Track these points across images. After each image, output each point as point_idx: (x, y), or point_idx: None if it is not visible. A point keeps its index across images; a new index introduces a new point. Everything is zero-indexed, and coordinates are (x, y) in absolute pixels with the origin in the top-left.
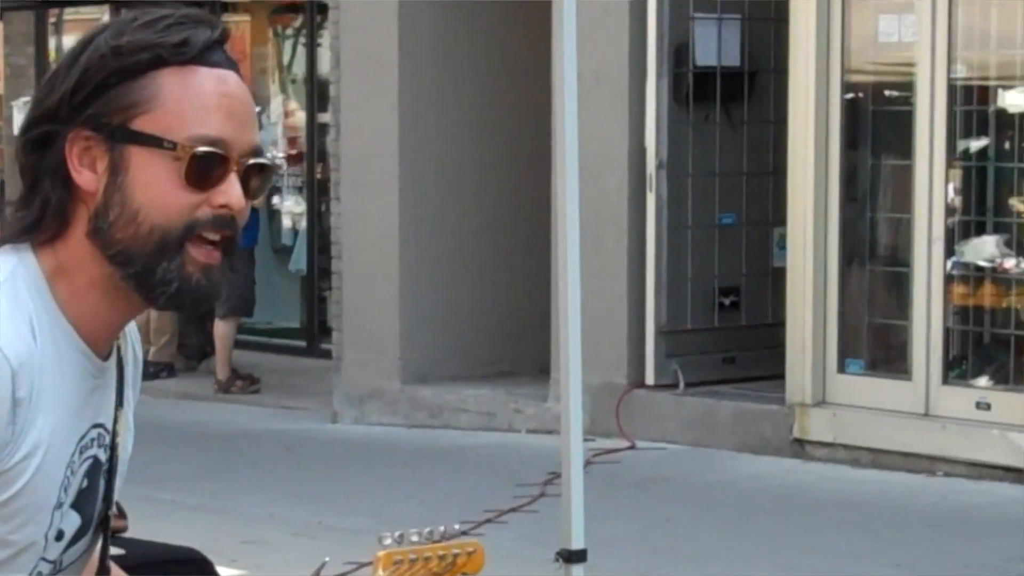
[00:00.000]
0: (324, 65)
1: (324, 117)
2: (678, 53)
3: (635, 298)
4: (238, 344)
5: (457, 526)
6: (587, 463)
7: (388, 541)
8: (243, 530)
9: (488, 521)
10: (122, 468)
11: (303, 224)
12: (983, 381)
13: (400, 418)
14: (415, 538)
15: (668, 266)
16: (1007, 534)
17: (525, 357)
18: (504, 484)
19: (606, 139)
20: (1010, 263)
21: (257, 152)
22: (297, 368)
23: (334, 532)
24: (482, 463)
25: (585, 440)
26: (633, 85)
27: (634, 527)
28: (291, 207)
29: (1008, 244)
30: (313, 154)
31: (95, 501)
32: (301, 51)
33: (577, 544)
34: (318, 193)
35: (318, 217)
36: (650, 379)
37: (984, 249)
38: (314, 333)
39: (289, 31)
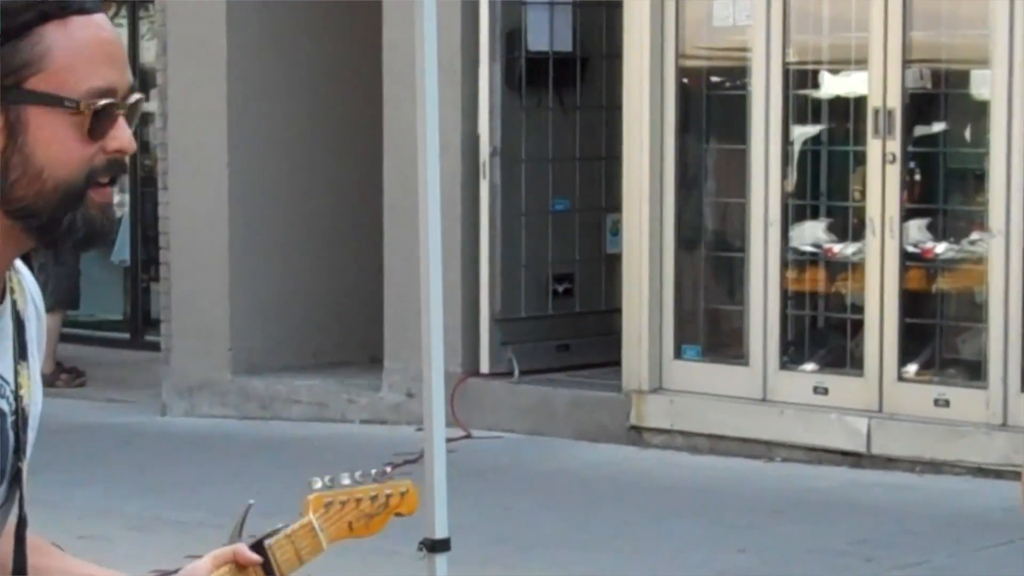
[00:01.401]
0: (146, 54)
1: (147, 107)
2: (510, 38)
3: (469, 286)
4: (60, 337)
5: (388, 468)
6: (422, 453)
7: (318, 485)
8: (79, 525)
9: None
10: (33, 422)
11: (125, 215)
12: (820, 366)
13: (231, 409)
14: (346, 481)
15: (502, 253)
16: (849, 518)
17: (356, 347)
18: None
19: (440, 126)
20: (838, 247)
21: (133, 89)
22: (122, 360)
23: (173, 526)
24: (317, 454)
25: (419, 430)
26: (466, 71)
27: (475, 517)
28: (114, 198)
29: (835, 228)
30: (136, 144)
31: (5, 453)
32: (122, 39)
33: (441, 534)
34: (140, 183)
35: (140, 207)
36: (485, 367)
37: (812, 233)
38: (138, 325)
39: (111, 20)
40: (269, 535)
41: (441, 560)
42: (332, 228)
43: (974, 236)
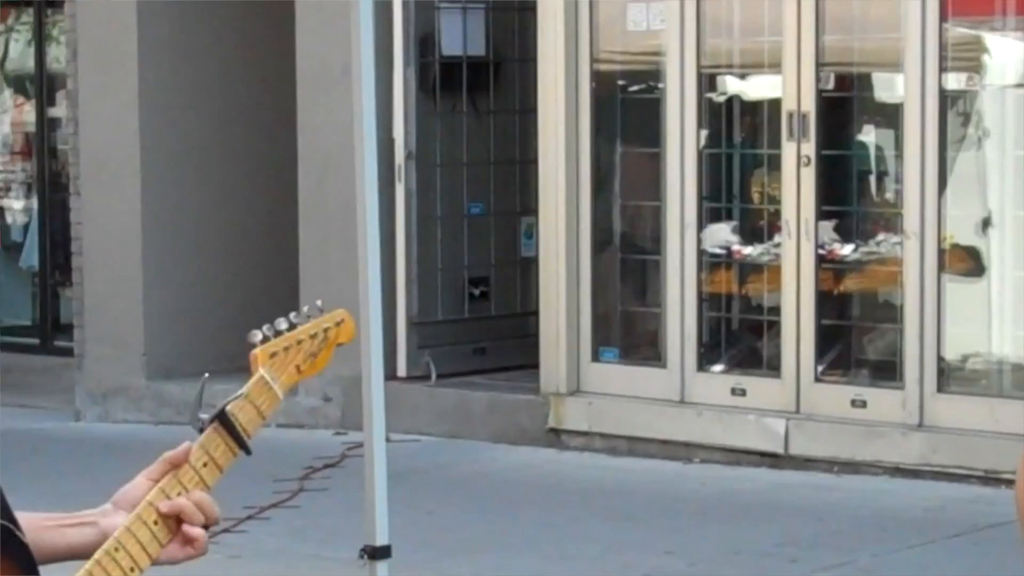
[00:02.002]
0: (54, 59)
1: (54, 111)
2: (424, 43)
3: (385, 289)
4: None
5: (319, 302)
6: (342, 457)
7: (259, 337)
8: None
9: (250, 518)
10: None
11: (34, 220)
12: (737, 367)
13: (146, 415)
14: (283, 325)
15: (418, 257)
16: (771, 519)
17: None
18: (261, 480)
19: (353, 130)
20: (753, 250)
21: None
22: (32, 366)
23: None
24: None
25: (337, 434)
26: (380, 75)
27: (398, 521)
28: (20, 203)
29: (750, 231)
30: (43, 149)
31: None
32: (29, 45)
33: (382, 540)
34: (49, 188)
35: (49, 212)
36: (402, 371)
37: (727, 236)
38: (48, 330)
39: (15, 24)
40: (228, 402)
41: (382, 567)
42: (246, 232)
43: (889, 238)
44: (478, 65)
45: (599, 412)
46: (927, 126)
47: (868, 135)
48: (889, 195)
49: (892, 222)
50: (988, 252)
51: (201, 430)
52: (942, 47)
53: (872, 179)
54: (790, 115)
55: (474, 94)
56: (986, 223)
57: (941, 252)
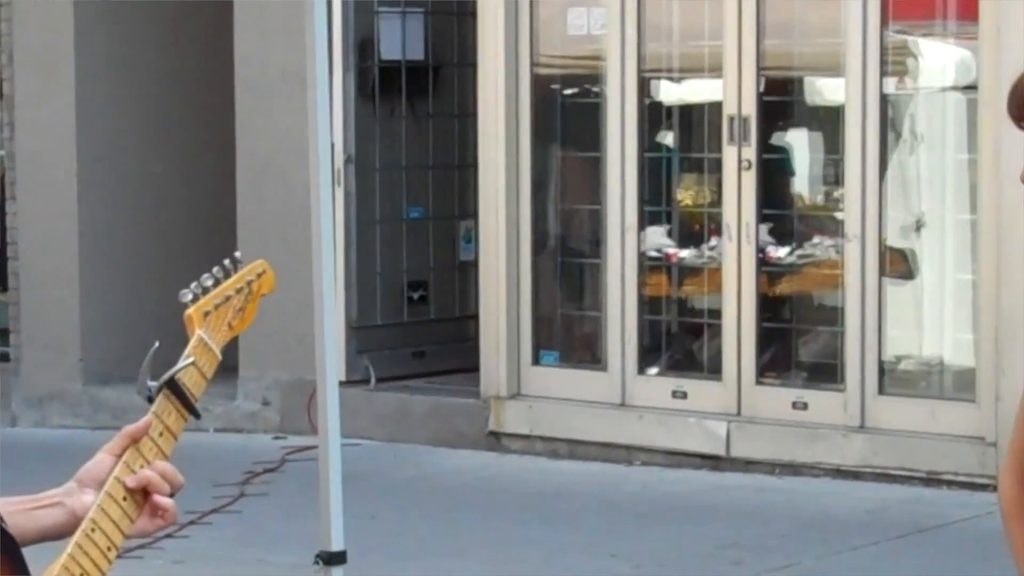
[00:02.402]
0: None
1: None
2: (363, 48)
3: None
4: None
5: (238, 254)
6: (282, 461)
7: (189, 297)
8: None
9: (192, 523)
10: None
11: None
12: (678, 370)
13: (83, 420)
14: (209, 282)
15: (357, 261)
16: (714, 521)
17: None
18: (201, 484)
19: (292, 135)
20: (694, 253)
21: None
22: None
23: None
24: (175, 463)
25: (276, 438)
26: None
27: (285, 527)
28: None
29: (692, 234)
30: None
31: None
32: None
33: (337, 546)
34: None
35: None
36: (341, 375)
37: (668, 239)
38: None
39: None
40: (177, 369)
41: (338, 572)
42: (183, 237)
43: (830, 241)
44: (417, 69)
45: (539, 415)
46: (868, 130)
47: (808, 139)
48: (830, 198)
49: (832, 225)
50: (928, 255)
51: (150, 399)
52: (883, 51)
53: (812, 183)
54: (731, 119)
55: (413, 98)
56: (925, 226)
57: (881, 255)
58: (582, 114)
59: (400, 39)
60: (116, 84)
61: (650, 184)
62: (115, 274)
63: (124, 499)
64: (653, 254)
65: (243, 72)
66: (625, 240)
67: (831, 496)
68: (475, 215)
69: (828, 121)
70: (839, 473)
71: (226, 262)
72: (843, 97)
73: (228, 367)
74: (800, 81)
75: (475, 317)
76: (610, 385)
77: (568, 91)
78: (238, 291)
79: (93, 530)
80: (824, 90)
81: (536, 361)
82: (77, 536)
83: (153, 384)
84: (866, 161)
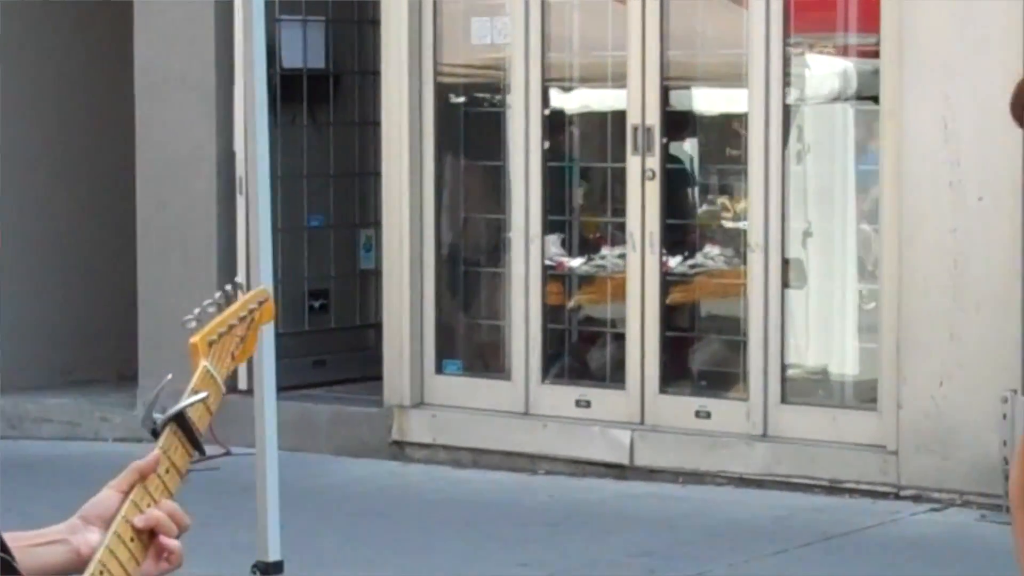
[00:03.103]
0: None
1: None
2: (263, 55)
3: None
4: None
5: (239, 279)
6: (188, 472)
7: (193, 324)
8: None
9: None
10: None
11: None
12: (582, 379)
13: None
14: (211, 309)
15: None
16: (622, 530)
17: (104, 364)
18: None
19: (193, 143)
20: (598, 262)
21: None
22: None
23: None
24: (75, 474)
25: None
26: (220, 87)
27: (247, 535)
28: None
29: (596, 244)
30: None
31: None
32: None
33: (274, 556)
34: None
35: None
36: (243, 384)
37: (572, 249)
38: None
39: None
40: (188, 404)
41: None
42: (80, 244)
43: (733, 250)
44: (318, 78)
45: (443, 424)
46: (770, 140)
47: (712, 149)
48: (733, 208)
49: (735, 235)
50: (829, 265)
51: (154, 432)
52: (785, 62)
53: (716, 193)
54: (635, 129)
55: (314, 107)
56: (827, 236)
57: (784, 265)
58: (486, 123)
59: (301, 47)
60: (12, 93)
61: (554, 193)
62: (10, 281)
63: (131, 540)
64: (557, 263)
65: (143, 79)
66: (529, 249)
67: (736, 504)
68: (376, 224)
69: (731, 132)
70: (742, 481)
71: (227, 287)
72: (746, 108)
73: (123, 376)
74: (703, 92)
75: (376, 326)
76: (514, 394)
77: (472, 100)
78: (240, 319)
79: (102, 573)
80: (727, 101)
81: (439, 370)
82: None
83: (160, 417)
84: (769, 171)
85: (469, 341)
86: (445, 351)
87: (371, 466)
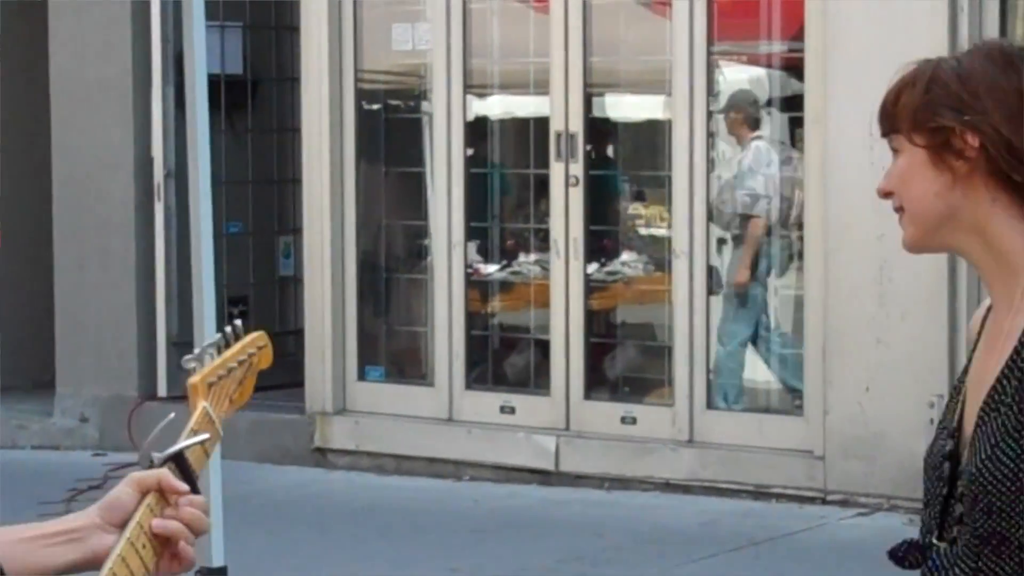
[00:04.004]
0: None
1: None
2: (181, 61)
3: (145, 309)
4: None
5: (238, 322)
6: (105, 478)
7: (192, 364)
8: None
9: None
10: None
11: None
12: (506, 385)
13: None
14: (211, 351)
15: (178, 276)
16: (550, 535)
17: (20, 371)
18: (24, 502)
19: (110, 148)
20: (522, 269)
21: None
22: None
23: None
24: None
25: (96, 455)
26: (137, 93)
27: None
28: None
29: (519, 250)
30: None
31: None
32: None
33: (218, 562)
34: None
35: None
36: (162, 391)
37: (496, 255)
38: None
39: None
40: (188, 445)
41: None
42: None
43: (657, 257)
44: (236, 84)
45: (366, 431)
46: (695, 146)
47: (635, 155)
48: (657, 215)
49: (660, 241)
50: (755, 270)
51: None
52: (709, 70)
53: (639, 199)
54: (558, 135)
55: (232, 113)
56: (753, 242)
57: (709, 270)
58: (407, 129)
59: (219, 53)
60: None
61: (476, 200)
62: None
63: (144, 547)
64: (480, 270)
65: (58, 83)
66: (452, 256)
67: (663, 510)
68: (295, 230)
69: (655, 138)
70: (668, 487)
71: (227, 329)
72: (670, 114)
73: (38, 384)
74: (627, 98)
75: (295, 332)
76: (437, 400)
77: (393, 106)
78: (240, 363)
79: None
80: (651, 107)
81: (361, 376)
82: None
83: (158, 456)
84: (693, 178)
85: (391, 348)
86: (367, 358)
87: (294, 473)
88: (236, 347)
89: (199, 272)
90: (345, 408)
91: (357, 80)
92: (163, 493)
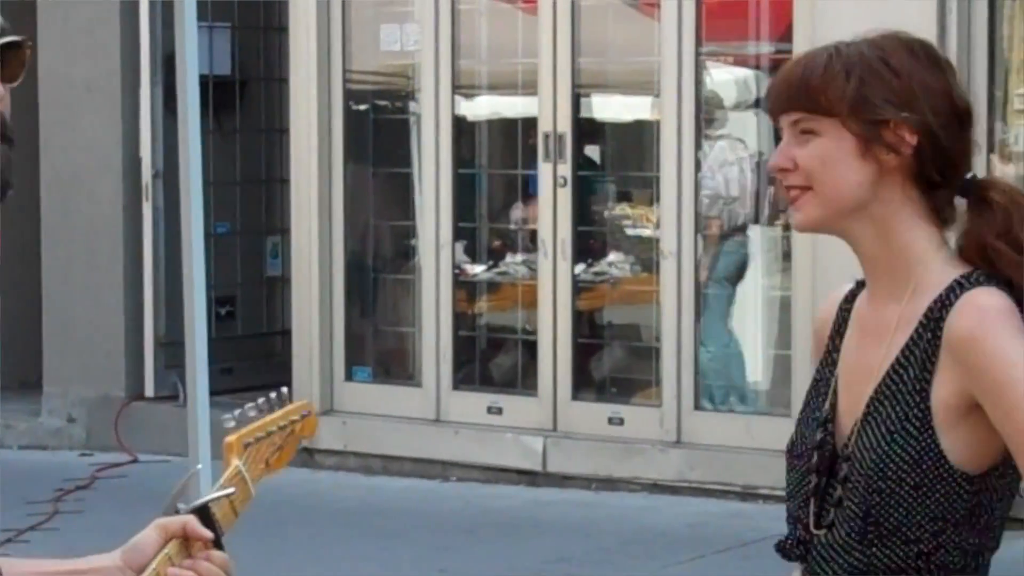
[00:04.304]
0: None
1: None
2: (170, 61)
3: (132, 309)
4: None
5: (284, 389)
6: (92, 478)
7: (232, 424)
8: None
9: (9, 541)
10: None
11: None
12: (494, 386)
13: None
14: (252, 413)
15: (165, 276)
16: (539, 536)
17: (7, 371)
18: (13, 502)
19: (99, 149)
20: (510, 270)
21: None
22: None
23: None
24: None
25: (83, 455)
26: (125, 94)
27: None
28: None
29: (507, 251)
30: None
31: None
32: None
33: None
34: None
35: None
36: (149, 391)
37: (485, 256)
38: None
39: None
40: (212, 498)
41: None
42: None
43: (646, 257)
44: (224, 84)
45: (353, 432)
46: (683, 146)
47: (624, 156)
48: (646, 215)
49: (648, 242)
50: (742, 270)
51: None
52: (697, 70)
53: (628, 200)
54: (546, 136)
55: (220, 113)
56: (740, 242)
57: (697, 271)
58: (395, 130)
59: (207, 54)
60: None
61: (464, 200)
62: None
63: None
64: (467, 270)
65: (46, 83)
66: (439, 256)
67: (650, 511)
68: (282, 230)
69: (643, 139)
70: (656, 488)
71: (272, 395)
72: (658, 115)
73: (31, 383)
74: (615, 99)
75: (283, 333)
76: (425, 401)
77: (381, 107)
78: (280, 428)
79: None
80: (639, 108)
81: (349, 377)
82: None
83: (184, 508)
84: (681, 179)
85: (379, 348)
86: (355, 358)
87: (281, 473)
88: (279, 412)
89: (190, 273)
90: (332, 408)
91: (345, 81)
92: (187, 541)
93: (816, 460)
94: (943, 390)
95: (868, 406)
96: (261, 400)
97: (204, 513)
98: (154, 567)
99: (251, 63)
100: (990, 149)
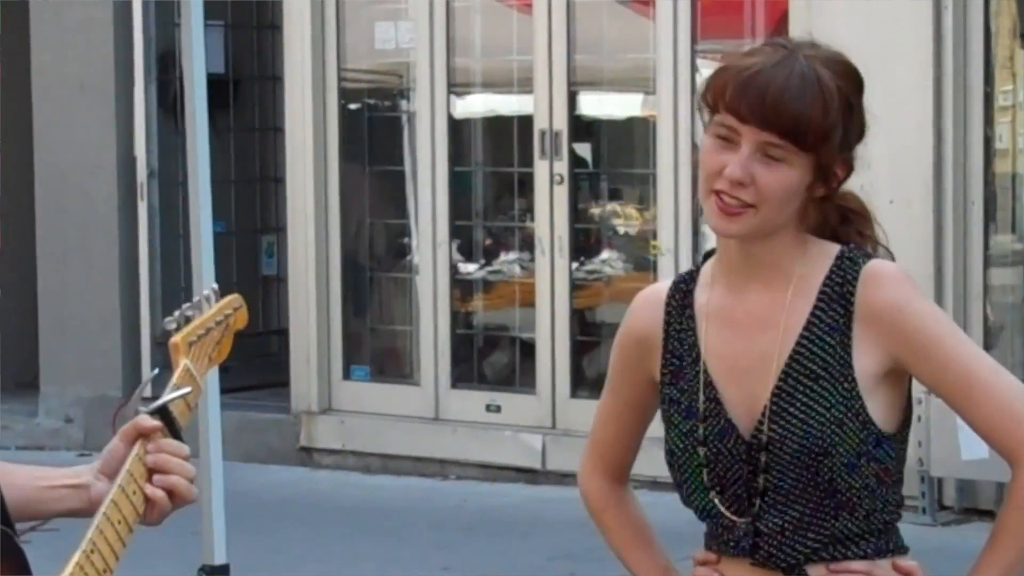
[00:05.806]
0: None
1: None
2: (164, 60)
3: (128, 309)
4: None
5: (215, 286)
6: None
7: (173, 325)
8: None
9: None
10: None
11: None
12: (492, 384)
13: None
14: (190, 312)
15: (161, 275)
16: (539, 533)
17: (4, 372)
18: None
19: (93, 148)
20: (507, 268)
21: None
22: None
23: None
24: None
25: (80, 455)
26: (120, 92)
27: (161, 541)
28: None
29: (504, 249)
30: None
31: None
32: None
33: (220, 560)
34: None
35: None
36: (147, 391)
37: (481, 254)
38: None
39: None
40: (170, 399)
41: None
42: None
43: (643, 254)
44: (218, 83)
45: (352, 430)
46: (680, 144)
47: (620, 153)
48: (643, 212)
49: (645, 239)
50: None
51: None
52: (693, 68)
53: (625, 197)
54: (542, 134)
55: (214, 112)
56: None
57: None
58: (390, 128)
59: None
60: None
61: (461, 198)
62: None
63: (134, 492)
64: (465, 268)
65: (40, 82)
66: (436, 255)
67: (650, 507)
68: (278, 229)
69: (641, 136)
70: (656, 484)
71: (205, 292)
72: (655, 112)
73: (21, 384)
74: (611, 96)
75: (279, 332)
76: (423, 399)
77: (376, 105)
78: (217, 323)
79: (92, 551)
80: (635, 105)
81: (347, 376)
82: (76, 555)
83: (144, 409)
84: (678, 176)
85: (376, 347)
86: (352, 357)
87: (280, 472)
88: (213, 309)
89: (199, 272)
90: (330, 407)
91: (340, 79)
92: (147, 437)
93: (731, 451)
94: (865, 359)
95: (777, 391)
96: (195, 299)
97: (164, 413)
98: (127, 468)
99: (245, 62)
100: (986, 148)
